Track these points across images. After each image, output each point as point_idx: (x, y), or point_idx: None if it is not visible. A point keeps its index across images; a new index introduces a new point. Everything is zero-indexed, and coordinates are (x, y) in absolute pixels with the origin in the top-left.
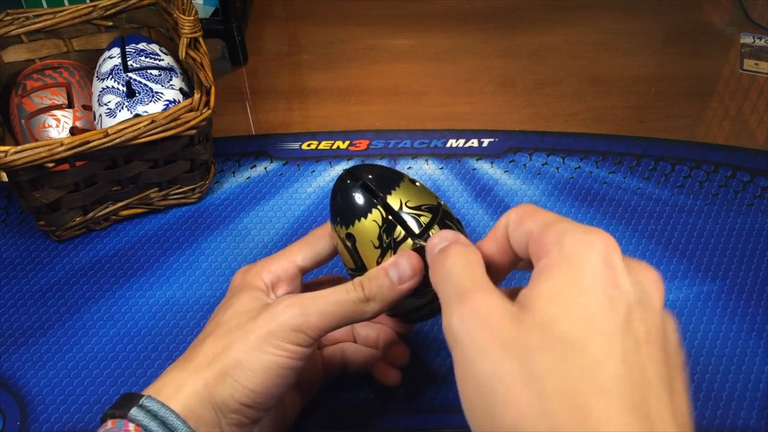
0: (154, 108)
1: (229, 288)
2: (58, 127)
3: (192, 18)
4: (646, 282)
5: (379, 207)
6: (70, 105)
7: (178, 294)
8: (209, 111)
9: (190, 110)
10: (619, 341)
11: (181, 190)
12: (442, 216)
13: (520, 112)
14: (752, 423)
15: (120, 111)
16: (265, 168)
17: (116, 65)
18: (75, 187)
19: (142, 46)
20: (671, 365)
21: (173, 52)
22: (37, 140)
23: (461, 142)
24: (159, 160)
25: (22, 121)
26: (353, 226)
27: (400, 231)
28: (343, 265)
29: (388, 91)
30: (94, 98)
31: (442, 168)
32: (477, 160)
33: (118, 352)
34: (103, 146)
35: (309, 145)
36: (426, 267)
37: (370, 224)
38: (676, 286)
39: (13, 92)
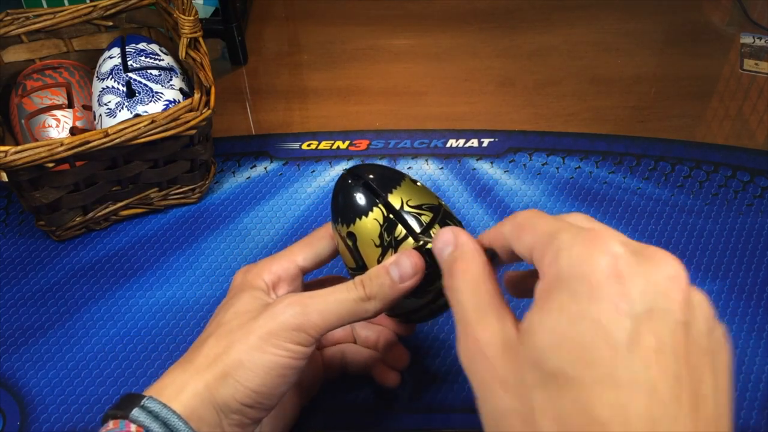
0: (154, 108)
1: (229, 288)
2: (58, 127)
3: (192, 18)
4: (661, 281)
5: (380, 206)
6: (70, 105)
7: (178, 294)
8: (209, 111)
9: (190, 110)
10: (620, 366)
11: (181, 190)
12: (443, 216)
13: (520, 112)
14: (752, 423)
15: (120, 111)
16: (265, 168)
17: (116, 65)
18: (75, 187)
19: (142, 46)
20: (696, 367)
21: (173, 52)
22: (37, 140)
23: (461, 142)
24: (159, 160)
25: (22, 121)
26: (354, 224)
27: (401, 230)
28: (344, 264)
29: (388, 91)
30: (94, 98)
31: (442, 168)
32: (477, 160)
33: (118, 352)
34: (103, 146)
35: (309, 145)
36: (427, 266)
37: (371, 223)
38: None
39: (13, 92)
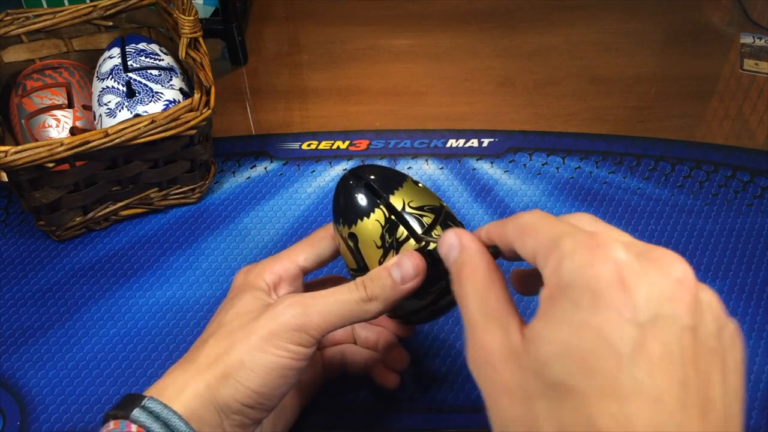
0: (154, 108)
1: (230, 288)
2: (58, 127)
3: (192, 18)
4: (667, 285)
5: (381, 207)
6: (70, 105)
7: (178, 294)
8: (209, 111)
9: (190, 110)
10: (623, 376)
11: (181, 190)
12: (444, 217)
13: (520, 112)
14: (752, 423)
15: (120, 111)
16: (265, 168)
17: (116, 65)
18: (75, 187)
19: (142, 46)
20: (704, 370)
21: (173, 52)
22: (37, 140)
23: (461, 142)
24: (159, 160)
25: (22, 121)
26: (356, 225)
27: (402, 231)
28: (345, 265)
29: (388, 91)
30: (94, 98)
31: (442, 168)
32: (477, 160)
33: (118, 352)
34: (103, 146)
35: (309, 145)
36: (428, 268)
37: (372, 224)
38: None
39: (13, 92)
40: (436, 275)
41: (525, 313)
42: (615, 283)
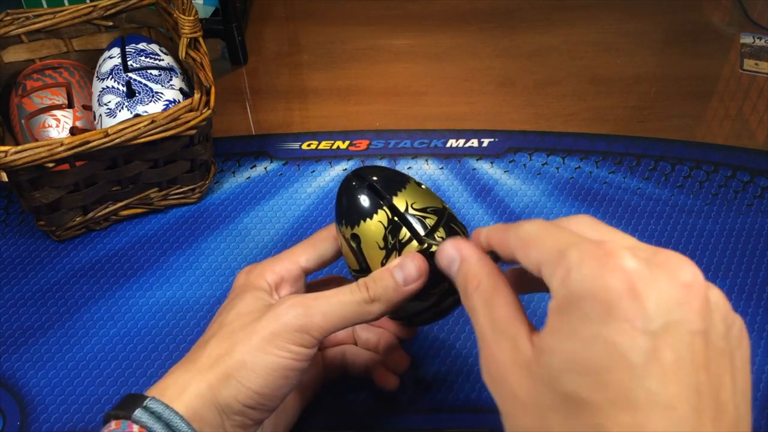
0: (154, 108)
1: (231, 288)
2: (58, 127)
3: (192, 18)
4: (677, 290)
5: (384, 208)
6: (70, 105)
7: (178, 294)
8: (209, 111)
9: (190, 110)
10: (636, 387)
11: (181, 190)
12: (447, 219)
13: (520, 112)
14: (752, 423)
15: (120, 111)
16: (265, 168)
17: (116, 65)
18: (75, 187)
19: (142, 46)
20: (715, 373)
21: (173, 52)
22: (37, 140)
23: (461, 142)
24: (159, 160)
25: (22, 121)
26: (358, 226)
27: (405, 233)
28: (347, 266)
29: (388, 91)
30: (94, 98)
31: (442, 168)
32: (477, 160)
33: (118, 352)
34: (103, 146)
35: (309, 145)
36: (431, 269)
37: (375, 225)
38: None
39: (13, 92)
40: (439, 277)
41: (531, 314)
42: (625, 292)
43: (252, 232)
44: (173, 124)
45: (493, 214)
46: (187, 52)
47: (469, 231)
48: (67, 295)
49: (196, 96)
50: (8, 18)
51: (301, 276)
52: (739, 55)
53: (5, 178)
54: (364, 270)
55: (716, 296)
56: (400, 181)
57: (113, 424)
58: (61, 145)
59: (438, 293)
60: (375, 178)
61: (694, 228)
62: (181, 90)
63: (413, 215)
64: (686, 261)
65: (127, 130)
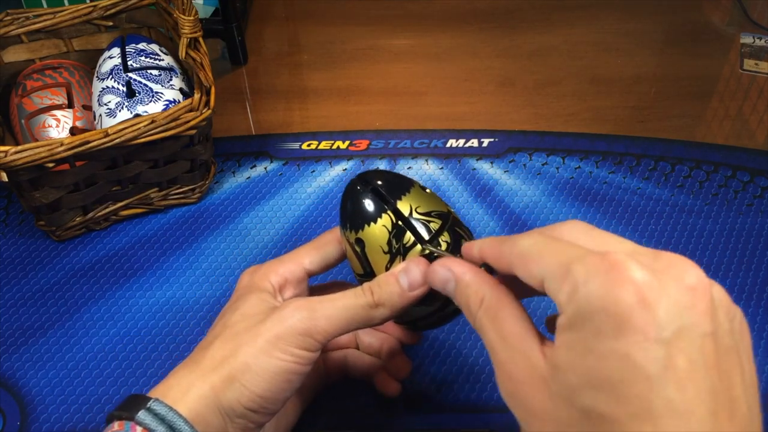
0: (154, 108)
1: (235, 289)
2: (58, 127)
3: (192, 18)
4: (684, 294)
5: (389, 212)
6: (70, 105)
7: (178, 294)
8: (209, 111)
9: (190, 110)
10: (655, 397)
11: (181, 190)
12: (452, 223)
13: (520, 112)
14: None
15: (120, 111)
16: (265, 168)
17: (116, 65)
18: (75, 187)
19: (142, 46)
20: (726, 371)
21: (173, 52)
22: (37, 140)
23: (461, 142)
24: (159, 160)
25: (22, 121)
26: (363, 230)
27: (409, 237)
28: (352, 270)
29: (388, 91)
30: (94, 98)
31: (442, 168)
32: (477, 160)
33: (118, 352)
34: (103, 146)
35: (309, 145)
36: None
37: (379, 229)
38: None
39: (13, 92)
40: None
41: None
42: (636, 304)
43: (252, 232)
44: (173, 124)
45: (493, 214)
46: (187, 52)
47: (473, 232)
48: (67, 295)
49: (196, 96)
50: (8, 18)
51: (304, 278)
52: (739, 55)
53: (5, 178)
54: (368, 274)
55: (718, 293)
56: (404, 185)
57: (116, 425)
58: (61, 145)
59: (443, 298)
60: (379, 183)
61: (694, 228)
62: (181, 90)
63: (417, 219)
64: (689, 263)
65: (127, 130)
